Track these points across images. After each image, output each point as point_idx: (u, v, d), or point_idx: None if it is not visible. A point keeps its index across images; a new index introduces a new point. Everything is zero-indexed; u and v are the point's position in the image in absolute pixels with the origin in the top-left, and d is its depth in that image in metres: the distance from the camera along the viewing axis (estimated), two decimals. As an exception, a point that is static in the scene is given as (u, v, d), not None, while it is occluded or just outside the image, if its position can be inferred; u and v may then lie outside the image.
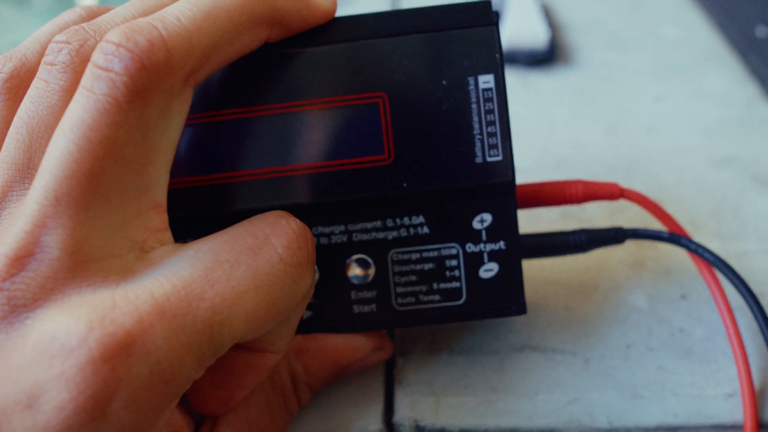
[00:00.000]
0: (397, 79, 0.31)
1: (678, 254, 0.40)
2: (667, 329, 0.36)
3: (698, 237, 0.41)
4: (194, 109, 0.30)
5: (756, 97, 0.51)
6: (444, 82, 0.31)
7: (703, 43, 0.56)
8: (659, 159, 0.46)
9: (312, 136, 0.31)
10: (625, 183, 0.43)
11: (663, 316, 0.37)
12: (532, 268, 0.39)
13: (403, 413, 0.34)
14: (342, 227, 0.32)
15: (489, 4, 0.31)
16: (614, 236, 0.35)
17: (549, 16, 0.59)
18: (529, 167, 0.45)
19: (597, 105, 0.51)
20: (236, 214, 0.30)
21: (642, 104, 0.51)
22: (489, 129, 0.31)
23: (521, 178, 0.44)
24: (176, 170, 0.30)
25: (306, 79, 0.31)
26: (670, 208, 0.42)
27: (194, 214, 0.31)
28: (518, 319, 0.37)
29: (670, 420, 0.33)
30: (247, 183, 0.31)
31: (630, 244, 0.40)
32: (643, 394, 0.34)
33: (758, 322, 0.34)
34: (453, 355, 0.35)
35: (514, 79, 0.53)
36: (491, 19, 0.31)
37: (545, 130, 0.48)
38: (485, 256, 0.32)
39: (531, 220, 0.40)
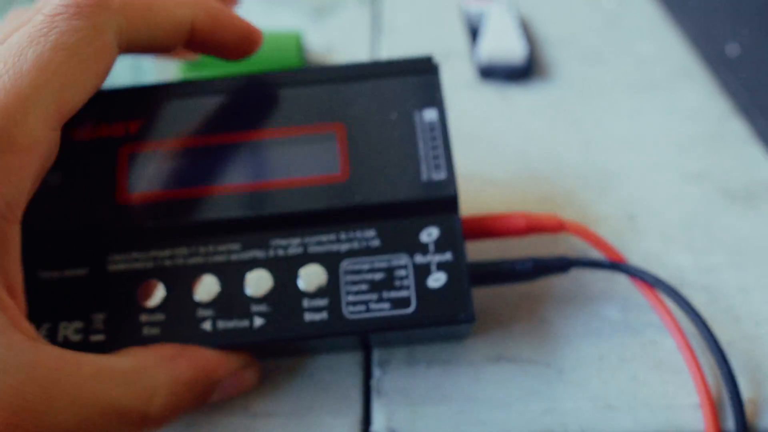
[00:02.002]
0: (353, 113, 0.36)
1: (650, 268, 0.41)
2: (638, 341, 0.37)
3: (670, 251, 0.42)
4: (170, 134, 0.36)
5: (727, 113, 0.52)
6: (393, 116, 0.36)
7: (676, 59, 0.57)
8: (633, 173, 0.47)
9: (274, 157, 0.35)
10: (599, 197, 0.44)
11: (635, 328, 0.38)
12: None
13: (381, 423, 0.34)
14: (298, 240, 0.34)
15: (431, 58, 0.37)
16: (559, 265, 0.37)
17: (527, 32, 0.60)
18: (506, 180, 0.46)
19: (573, 119, 0.52)
20: (203, 224, 0.34)
21: (617, 119, 0.52)
22: (434, 152, 0.35)
23: (498, 190, 0.45)
24: (148, 185, 0.35)
25: (274, 112, 0.36)
26: (642, 223, 0.43)
27: (171, 224, 0.34)
28: (494, 331, 0.38)
29: (642, 429, 0.34)
30: (212, 197, 0.34)
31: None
32: (615, 404, 0.35)
33: (704, 336, 0.36)
34: (430, 366, 0.36)
35: (493, 93, 0.54)
36: (435, 70, 0.37)
37: (522, 144, 0.49)
38: (433, 266, 0.33)
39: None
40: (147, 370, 0.30)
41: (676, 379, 0.36)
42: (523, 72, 0.55)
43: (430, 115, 0.36)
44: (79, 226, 0.34)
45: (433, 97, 0.36)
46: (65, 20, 0.29)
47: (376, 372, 0.36)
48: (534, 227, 0.38)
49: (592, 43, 0.59)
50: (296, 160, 0.35)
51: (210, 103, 0.36)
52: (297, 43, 0.56)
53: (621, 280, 0.40)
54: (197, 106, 0.36)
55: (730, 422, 0.34)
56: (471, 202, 0.45)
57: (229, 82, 0.37)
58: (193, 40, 0.34)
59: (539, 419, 0.34)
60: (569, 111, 0.52)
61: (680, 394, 0.35)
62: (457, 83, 0.55)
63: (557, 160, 0.48)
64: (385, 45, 0.59)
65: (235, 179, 0.35)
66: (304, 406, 0.35)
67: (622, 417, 0.34)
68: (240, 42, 0.36)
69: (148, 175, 0.35)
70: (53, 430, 0.26)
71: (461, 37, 0.60)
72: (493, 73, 0.55)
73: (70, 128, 0.35)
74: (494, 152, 0.49)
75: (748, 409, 0.34)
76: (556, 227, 0.38)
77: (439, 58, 0.58)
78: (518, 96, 0.54)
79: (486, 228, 0.38)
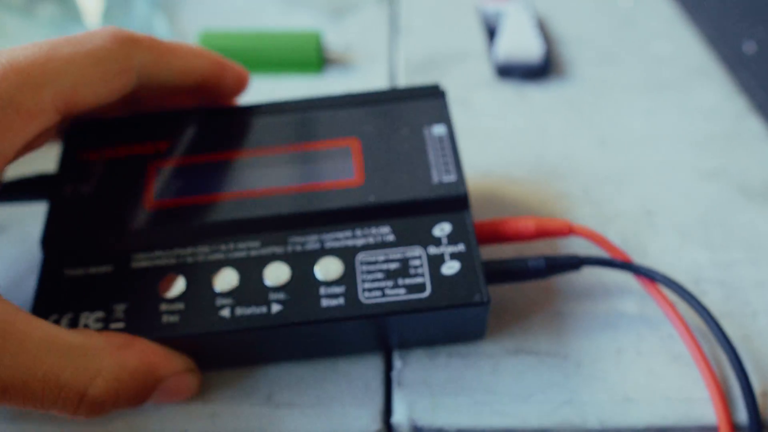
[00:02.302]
0: (368, 130, 0.39)
1: (667, 263, 0.41)
2: (656, 334, 0.38)
3: (686, 247, 0.42)
4: (198, 151, 0.39)
5: (744, 111, 0.52)
6: (405, 131, 0.39)
7: (692, 58, 0.58)
8: (649, 171, 0.47)
9: (295, 165, 0.38)
10: (615, 194, 0.45)
11: (653, 322, 0.38)
12: (527, 275, 0.40)
13: (402, 414, 0.35)
14: (315, 236, 0.36)
15: (438, 86, 0.41)
16: (571, 263, 0.38)
17: (544, 31, 0.60)
18: (524, 177, 0.47)
19: (589, 118, 0.52)
20: (224, 224, 0.36)
21: (633, 118, 0.52)
22: (443, 160, 0.38)
23: (516, 187, 0.45)
24: (174, 193, 0.37)
25: (295, 131, 0.39)
26: (659, 219, 0.43)
27: (194, 224, 0.36)
28: (512, 325, 0.38)
29: (659, 422, 0.34)
30: (234, 201, 0.37)
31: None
32: (633, 396, 0.35)
33: (712, 330, 0.36)
34: (450, 358, 0.37)
35: (510, 91, 0.55)
36: (442, 95, 0.40)
37: (539, 142, 0.50)
38: (446, 255, 0.35)
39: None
40: (94, 351, 0.31)
41: (693, 372, 0.36)
42: (541, 71, 0.55)
43: (439, 130, 0.39)
44: (107, 228, 0.36)
45: (442, 115, 0.39)
46: (103, 39, 0.35)
47: (398, 363, 0.37)
48: (544, 231, 0.39)
49: (608, 43, 0.60)
50: (314, 169, 0.37)
51: (237, 126, 0.40)
52: (316, 43, 0.57)
53: (639, 279, 0.40)
54: (223, 128, 0.40)
55: (743, 415, 0.34)
56: (489, 200, 0.45)
57: (252, 109, 0.40)
58: (202, 87, 0.39)
59: (558, 411, 0.35)
60: (586, 109, 0.53)
61: (698, 388, 0.35)
62: (475, 82, 0.56)
63: (574, 158, 0.49)
64: (403, 45, 0.60)
65: (257, 185, 0.37)
66: (326, 396, 0.35)
67: (640, 410, 0.35)
68: (236, 86, 0.41)
69: (175, 184, 0.37)
70: None
71: (478, 36, 0.61)
72: (510, 71, 0.55)
73: (105, 147, 0.39)
74: (512, 150, 0.49)
75: (762, 401, 0.35)
76: (566, 231, 0.39)
77: (456, 57, 0.58)
78: (535, 94, 0.54)
79: (496, 232, 0.39)
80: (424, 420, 0.34)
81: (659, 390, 0.35)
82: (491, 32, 0.60)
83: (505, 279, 0.37)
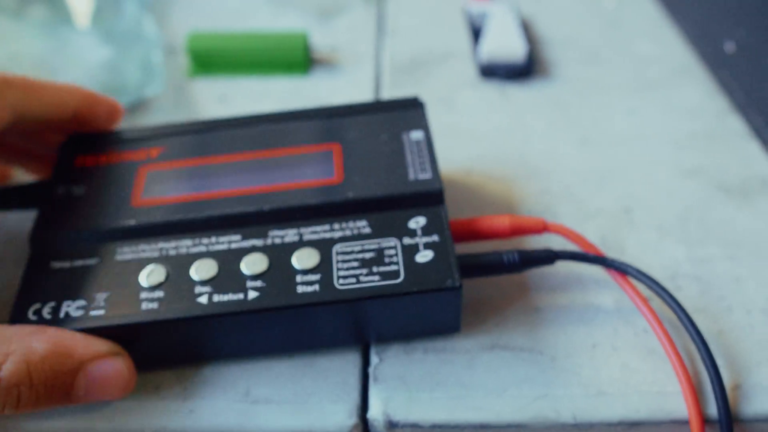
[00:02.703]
0: (349, 136, 0.41)
1: (645, 259, 0.41)
2: (631, 330, 0.38)
3: (664, 243, 0.43)
4: (187, 156, 0.41)
5: (725, 110, 0.53)
6: (384, 137, 0.41)
7: (675, 58, 0.58)
8: (630, 169, 0.48)
9: (277, 167, 0.39)
10: (596, 192, 0.45)
11: (628, 317, 0.39)
12: (504, 271, 0.41)
13: (377, 409, 0.35)
14: (295, 230, 0.37)
15: (417, 98, 0.43)
16: (545, 257, 0.38)
17: (528, 31, 0.61)
18: (506, 176, 0.47)
19: (572, 117, 0.52)
20: (207, 219, 0.37)
21: (615, 117, 0.52)
22: (420, 160, 0.39)
23: (498, 185, 0.46)
24: (162, 192, 0.39)
25: (277, 139, 0.41)
26: (638, 216, 0.44)
27: (177, 219, 0.37)
28: (488, 320, 0.38)
29: (632, 415, 0.35)
30: (219, 199, 0.38)
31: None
32: (608, 390, 0.35)
33: (683, 324, 0.37)
34: (426, 354, 0.37)
35: (493, 91, 0.55)
36: (421, 106, 0.42)
37: (522, 141, 0.50)
38: (421, 245, 0.36)
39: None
40: (2, 339, 0.32)
41: (667, 366, 0.36)
42: (523, 71, 0.56)
43: (416, 135, 0.40)
44: (95, 224, 0.37)
45: (420, 123, 0.41)
46: None
47: (374, 359, 0.37)
48: (519, 228, 0.39)
49: (591, 43, 0.60)
50: (296, 170, 0.39)
51: (223, 134, 0.42)
52: (303, 43, 0.57)
53: (612, 274, 0.40)
54: (212, 134, 0.42)
55: (714, 409, 0.34)
56: (470, 198, 0.46)
57: (243, 120, 0.42)
58: (75, 119, 0.42)
59: (532, 405, 0.35)
60: (568, 109, 0.53)
61: (671, 382, 0.36)
62: (459, 82, 0.56)
63: (556, 157, 0.49)
64: (389, 45, 0.60)
65: (240, 185, 0.38)
66: (303, 392, 0.36)
67: (613, 403, 0.35)
68: (108, 118, 0.43)
69: (163, 185, 0.39)
70: None
71: (463, 37, 0.61)
72: (493, 72, 0.56)
73: (98, 155, 0.41)
74: (494, 149, 0.50)
75: (733, 395, 0.35)
76: (540, 228, 0.39)
77: (441, 57, 0.59)
78: (518, 94, 0.55)
79: (472, 230, 0.39)
80: (400, 415, 0.35)
81: (633, 384, 0.36)
82: (476, 33, 0.61)
83: (479, 273, 0.38)
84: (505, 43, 0.56)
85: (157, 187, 0.39)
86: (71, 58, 0.56)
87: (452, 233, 0.38)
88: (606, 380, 0.36)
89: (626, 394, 0.35)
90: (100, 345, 0.34)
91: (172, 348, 0.36)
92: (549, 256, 0.38)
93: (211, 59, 0.58)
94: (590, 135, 0.51)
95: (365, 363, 0.37)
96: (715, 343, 0.37)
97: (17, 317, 0.35)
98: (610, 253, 0.42)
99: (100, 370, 0.34)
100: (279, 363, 0.37)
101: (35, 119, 0.40)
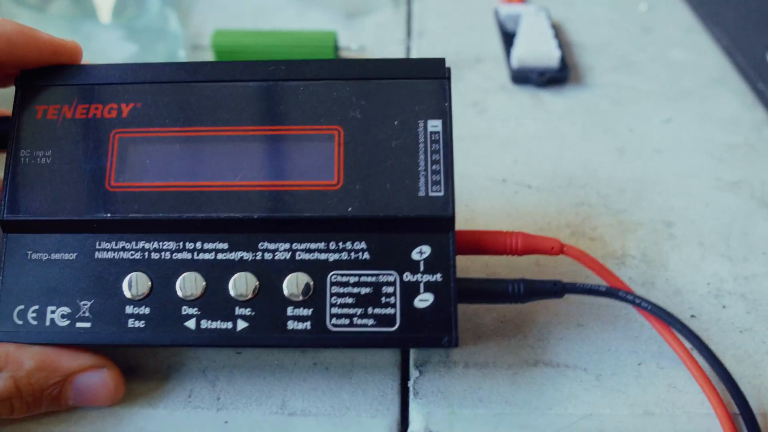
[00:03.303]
0: (353, 116, 0.35)
1: (688, 275, 0.41)
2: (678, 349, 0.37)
3: (707, 259, 0.42)
4: (165, 122, 0.35)
5: (763, 122, 0.52)
6: (396, 123, 0.35)
7: (711, 67, 0.57)
8: (668, 181, 0.47)
9: (269, 157, 0.35)
10: (634, 204, 0.44)
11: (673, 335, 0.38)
12: (545, 284, 0.40)
13: (419, 424, 0.34)
14: (287, 245, 0.34)
15: (443, 60, 0.35)
16: (553, 289, 0.36)
17: (559, 36, 0.60)
18: (541, 185, 0.46)
19: (607, 126, 0.51)
20: (191, 221, 0.34)
21: (651, 126, 0.51)
22: (434, 167, 0.34)
23: (533, 194, 0.45)
24: (139, 174, 0.35)
25: (271, 107, 0.35)
26: (679, 230, 0.43)
27: (159, 217, 0.34)
28: (531, 334, 0.37)
29: (680, 437, 0.34)
30: (203, 193, 0.34)
31: (633, 267, 0.41)
32: (655, 411, 0.34)
33: (703, 355, 0.35)
34: (468, 368, 0.36)
35: (526, 97, 0.54)
36: (444, 74, 0.35)
37: (556, 149, 0.49)
38: (422, 286, 0.33)
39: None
40: None
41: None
42: (557, 77, 0.55)
43: (434, 126, 0.35)
44: (70, 211, 0.34)
45: (440, 107, 0.35)
46: None
47: (414, 373, 0.36)
48: (532, 249, 0.36)
49: (624, 49, 0.59)
50: (290, 162, 0.35)
51: (208, 91, 0.36)
52: (332, 42, 0.56)
53: (657, 285, 0.39)
54: (194, 93, 0.36)
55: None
56: (505, 206, 0.45)
57: (229, 68, 0.36)
58: (10, 57, 0.35)
59: (578, 424, 0.34)
60: (603, 117, 0.52)
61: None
62: (491, 87, 0.55)
63: (592, 166, 0.48)
64: (417, 48, 0.59)
65: (228, 176, 0.34)
66: (341, 406, 0.35)
67: (661, 424, 0.34)
68: (52, 56, 0.36)
69: (139, 164, 0.35)
70: None
71: (494, 40, 0.60)
72: (526, 77, 0.55)
73: (61, 105, 0.36)
74: (529, 156, 0.49)
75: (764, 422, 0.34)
76: (556, 250, 0.36)
77: (471, 61, 0.58)
78: (552, 101, 0.54)
79: (481, 244, 0.37)
80: (442, 431, 0.34)
81: (681, 405, 0.35)
82: (507, 36, 0.60)
83: (480, 299, 0.36)
84: (538, 48, 0.55)
85: (133, 166, 0.35)
86: (95, 53, 0.55)
87: (459, 245, 0.36)
88: (653, 400, 0.35)
89: (674, 415, 0.34)
90: (85, 358, 0.34)
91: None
92: (557, 289, 0.35)
93: (237, 57, 0.57)
94: (626, 144, 0.50)
95: (404, 376, 0.36)
96: (761, 363, 0.36)
97: (2, 319, 0.34)
98: (653, 270, 0.41)
99: (85, 381, 0.34)
100: (315, 375, 0.36)
101: None
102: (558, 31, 0.61)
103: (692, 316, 0.39)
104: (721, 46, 0.59)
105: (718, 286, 0.40)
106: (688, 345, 0.36)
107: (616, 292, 0.36)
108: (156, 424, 0.34)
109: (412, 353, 0.37)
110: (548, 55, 0.54)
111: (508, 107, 0.53)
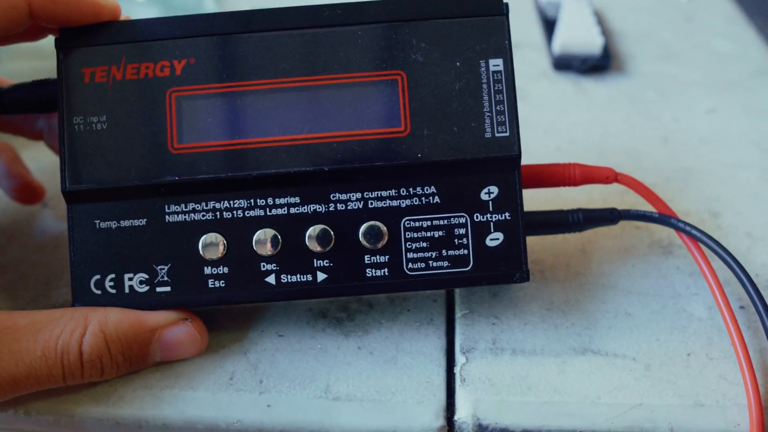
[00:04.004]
0: (415, 60, 0.34)
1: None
2: (726, 339, 0.36)
3: (757, 250, 0.41)
4: (222, 77, 0.34)
5: (810, 114, 0.51)
6: (458, 64, 0.34)
7: (754, 58, 0.56)
8: (714, 171, 0.46)
9: (334, 107, 0.34)
10: (681, 194, 0.43)
11: (722, 326, 0.37)
12: (592, 273, 0.39)
13: (466, 411, 0.34)
14: (359, 194, 0.34)
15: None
16: (609, 216, 0.38)
17: (601, 23, 0.59)
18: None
19: (650, 115, 0.51)
20: (262, 177, 0.34)
21: (695, 116, 0.51)
22: (498, 107, 0.34)
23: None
24: (202, 134, 0.34)
25: (332, 55, 0.34)
26: (726, 221, 0.42)
27: (227, 176, 0.34)
28: (579, 323, 0.37)
29: (732, 429, 0.33)
30: (270, 149, 0.34)
31: (681, 256, 0.40)
32: (705, 402, 0.34)
33: (748, 293, 0.35)
34: (515, 355, 0.35)
35: (568, 84, 0.53)
36: (502, 10, 0.35)
37: (600, 137, 0.49)
38: (491, 225, 0.34)
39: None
40: (76, 316, 0.33)
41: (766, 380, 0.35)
42: (600, 64, 0.54)
43: (496, 65, 0.35)
44: (135, 177, 0.34)
45: (500, 45, 0.35)
46: None
47: (460, 359, 0.35)
48: (588, 178, 0.38)
49: (667, 38, 0.58)
50: (356, 111, 0.34)
51: (264, 41, 0.35)
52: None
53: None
54: (249, 45, 0.35)
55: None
56: (549, 193, 0.44)
57: (283, 15, 0.35)
58: (36, 21, 0.34)
59: (628, 414, 0.33)
60: (646, 106, 0.52)
61: (771, 395, 0.34)
62: (532, 74, 0.54)
63: (636, 155, 0.47)
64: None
65: (294, 130, 0.34)
66: (387, 391, 0.34)
67: (711, 416, 0.33)
68: (93, 16, 0.35)
69: (201, 123, 0.34)
70: (0, 376, 0.31)
71: (534, 26, 0.60)
72: (568, 64, 0.54)
73: (108, 66, 0.34)
74: (572, 144, 0.48)
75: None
76: (611, 177, 0.38)
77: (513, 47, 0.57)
78: (594, 88, 0.53)
79: (543, 177, 0.38)
80: (489, 419, 0.33)
81: (731, 396, 0.34)
82: (547, 23, 0.59)
83: (543, 230, 0.37)
84: (580, 35, 0.54)
85: (195, 126, 0.34)
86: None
87: (522, 181, 0.36)
88: (703, 391, 0.34)
89: (725, 406, 0.34)
90: (168, 314, 0.34)
91: None
92: (613, 215, 0.37)
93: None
94: (671, 134, 0.49)
95: (450, 362, 0.36)
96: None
97: (80, 290, 0.34)
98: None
99: (172, 335, 0.34)
100: (359, 359, 0.36)
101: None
102: (599, 19, 0.60)
103: (741, 307, 0.38)
104: (764, 36, 0.58)
105: (767, 277, 0.40)
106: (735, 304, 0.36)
107: (668, 218, 0.38)
108: (196, 406, 0.34)
109: (458, 339, 0.36)
110: (591, 42, 0.54)
111: (550, 94, 0.53)
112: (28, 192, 0.43)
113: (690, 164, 0.47)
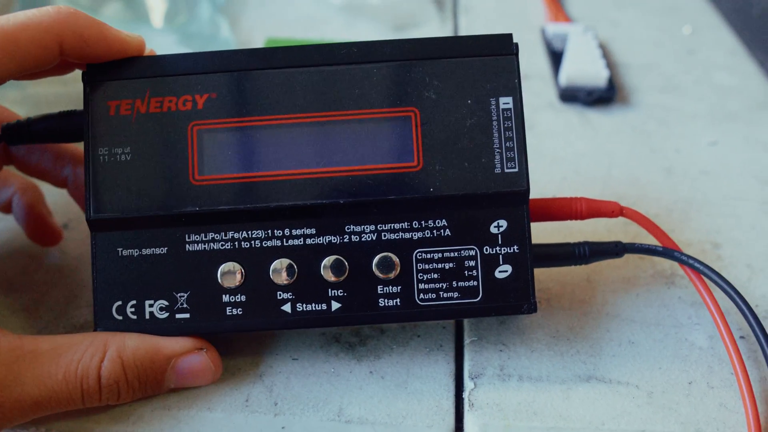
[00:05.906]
0: (428, 97, 0.36)
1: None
2: (727, 368, 0.37)
3: (757, 281, 0.42)
4: (242, 111, 0.36)
5: (809, 148, 0.52)
6: (469, 101, 0.36)
7: (756, 91, 0.58)
8: (715, 202, 0.47)
9: (350, 142, 0.36)
10: (682, 224, 0.44)
11: (723, 355, 0.38)
12: (597, 302, 0.40)
13: (474, 435, 0.35)
14: (372, 226, 0.36)
15: (511, 36, 0.37)
16: (614, 249, 0.39)
17: (606, 56, 0.60)
18: (589, 203, 0.47)
19: (654, 146, 0.52)
20: (279, 209, 0.35)
21: (697, 148, 0.52)
22: (507, 144, 0.36)
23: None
24: (222, 166, 0.35)
25: (348, 92, 0.36)
26: (727, 252, 0.43)
27: (246, 207, 0.35)
28: (583, 350, 0.38)
29: (732, 457, 0.34)
30: (288, 182, 0.35)
31: (683, 287, 0.41)
32: (706, 430, 0.35)
33: (749, 323, 0.37)
34: (522, 382, 0.37)
35: (574, 116, 0.55)
36: (512, 50, 0.36)
37: (605, 167, 0.50)
38: (500, 258, 0.35)
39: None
40: (96, 341, 0.34)
41: (766, 408, 0.36)
42: (605, 96, 0.55)
43: (506, 103, 0.36)
44: (158, 207, 0.35)
45: (510, 83, 0.36)
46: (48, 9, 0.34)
47: (468, 384, 0.37)
48: (594, 212, 0.39)
49: (670, 71, 0.60)
50: (371, 146, 0.36)
51: (282, 77, 0.36)
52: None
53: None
54: (268, 81, 0.36)
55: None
56: (555, 223, 0.45)
57: (302, 53, 0.36)
58: (66, 58, 0.35)
59: (631, 441, 0.35)
60: (650, 137, 0.53)
61: (770, 424, 0.35)
62: (539, 104, 0.56)
63: (640, 185, 0.49)
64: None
65: (310, 163, 0.35)
66: (398, 414, 0.35)
67: (712, 443, 0.35)
68: (120, 53, 0.36)
69: (222, 156, 0.36)
70: (23, 399, 0.32)
71: (541, 57, 0.61)
72: (574, 96, 0.56)
73: (133, 99, 0.36)
74: (578, 173, 0.49)
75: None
76: (616, 213, 0.39)
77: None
78: (599, 120, 0.54)
79: (550, 211, 0.39)
80: (497, 443, 0.34)
81: (732, 425, 0.35)
82: (554, 54, 0.60)
83: (550, 262, 0.39)
84: (586, 68, 0.55)
85: (215, 158, 0.35)
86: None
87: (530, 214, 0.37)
88: (704, 419, 0.35)
89: (725, 435, 0.35)
90: (185, 341, 0.35)
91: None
92: (618, 249, 0.39)
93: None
94: (674, 165, 0.50)
95: (459, 387, 0.37)
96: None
97: (102, 315, 0.35)
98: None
99: (187, 364, 0.35)
100: (371, 383, 0.37)
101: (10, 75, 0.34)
102: (604, 51, 0.61)
103: (741, 336, 0.39)
104: (765, 70, 0.60)
105: (767, 308, 0.41)
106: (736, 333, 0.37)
107: (671, 252, 0.39)
108: (213, 427, 0.35)
109: (467, 365, 0.37)
110: (597, 75, 0.55)
111: (556, 124, 0.54)
112: (44, 235, 0.44)
113: (692, 195, 0.48)
